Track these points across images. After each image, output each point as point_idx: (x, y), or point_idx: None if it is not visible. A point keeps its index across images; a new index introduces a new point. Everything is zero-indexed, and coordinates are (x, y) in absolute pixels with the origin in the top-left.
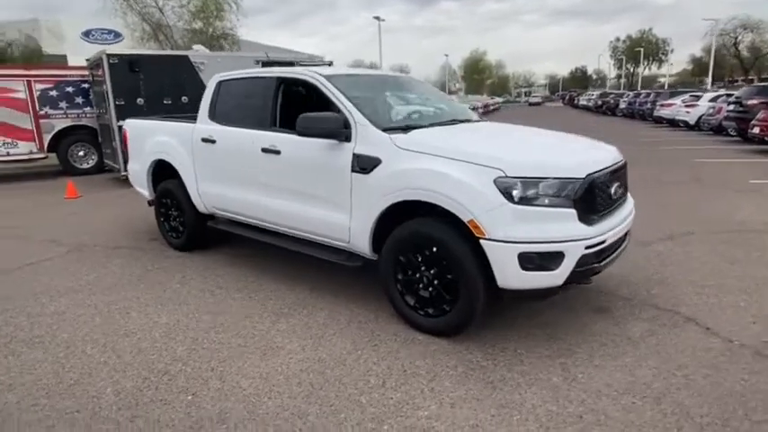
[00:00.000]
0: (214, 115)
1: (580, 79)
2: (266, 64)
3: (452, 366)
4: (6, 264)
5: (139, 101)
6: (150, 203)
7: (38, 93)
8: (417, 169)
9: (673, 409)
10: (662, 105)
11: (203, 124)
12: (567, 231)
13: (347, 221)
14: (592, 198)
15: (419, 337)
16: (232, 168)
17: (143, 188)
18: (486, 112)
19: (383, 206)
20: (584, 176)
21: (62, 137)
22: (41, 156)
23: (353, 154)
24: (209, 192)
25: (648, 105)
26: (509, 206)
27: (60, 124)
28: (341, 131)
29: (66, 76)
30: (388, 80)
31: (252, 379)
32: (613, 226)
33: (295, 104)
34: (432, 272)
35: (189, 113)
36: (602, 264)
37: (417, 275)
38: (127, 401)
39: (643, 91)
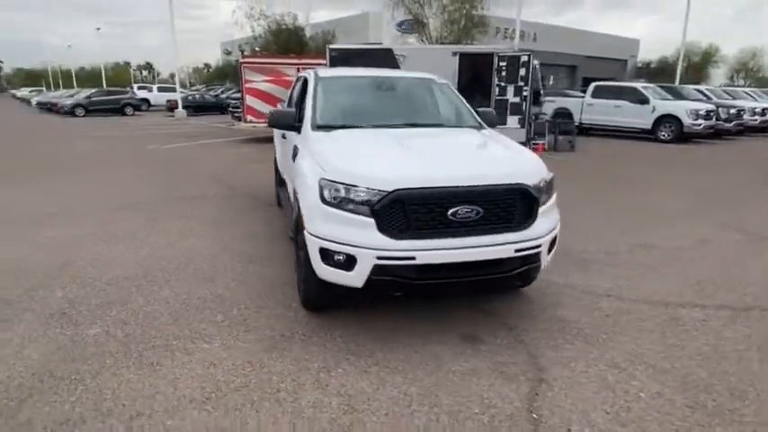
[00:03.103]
0: (291, 104)
1: None
2: (464, 55)
3: (279, 330)
4: (182, 193)
5: None
6: None
7: None
8: (299, 163)
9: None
10: None
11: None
12: (360, 238)
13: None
14: (400, 212)
15: (296, 304)
16: (283, 147)
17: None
18: None
19: (292, 189)
20: (390, 190)
21: None
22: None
23: (294, 145)
24: (279, 161)
25: None
26: (320, 205)
27: None
28: (294, 125)
29: (323, 64)
30: (386, 82)
31: (171, 292)
32: (441, 247)
33: None
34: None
35: None
36: (423, 281)
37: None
38: (111, 281)
39: None
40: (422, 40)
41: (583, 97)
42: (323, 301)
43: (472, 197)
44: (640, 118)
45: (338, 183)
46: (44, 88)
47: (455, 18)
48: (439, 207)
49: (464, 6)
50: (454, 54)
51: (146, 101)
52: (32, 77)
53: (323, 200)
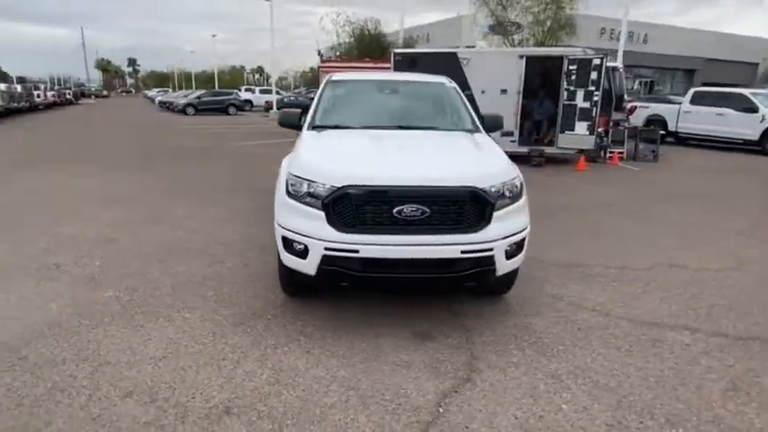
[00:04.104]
0: None
1: None
2: (531, 58)
3: (253, 310)
4: (238, 185)
5: None
6: None
7: None
8: (284, 160)
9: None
10: None
11: None
12: (311, 229)
13: None
14: (348, 207)
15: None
16: None
17: None
18: None
19: None
20: (339, 186)
21: None
22: None
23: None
24: None
25: None
26: (285, 198)
27: None
28: (298, 124)
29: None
30: (392, 86)
31: (184, 268)
32: (384, 243)
33: None
34: None
35: None
36: (367, 274)
37: None
38: (141, 255)
39: None
40: (504, 44)
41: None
42: (292, 286)
43: (418, 197)
44: (746, 128)
45: (302, 178)
46: (169, 89)
47: (541, 20)
48: (384, 204)
49: (550, 8)
50: (521, 57)
51: (249, 102)
52: (161, 79)
53: (288, 193)
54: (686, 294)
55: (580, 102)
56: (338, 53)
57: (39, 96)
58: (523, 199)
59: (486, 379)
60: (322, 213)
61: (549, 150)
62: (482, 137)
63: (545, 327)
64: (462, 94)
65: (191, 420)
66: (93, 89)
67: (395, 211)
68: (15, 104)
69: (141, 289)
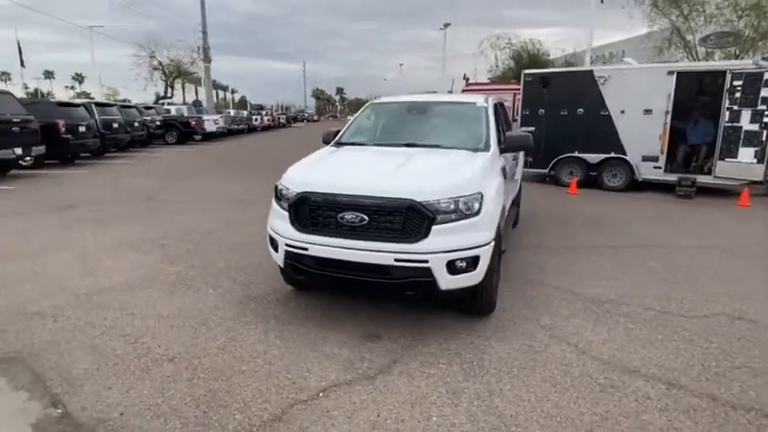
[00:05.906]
0: None
1: None
2: (683, 74)
3: (261, 294)
4: None
5: (540, 111)
6: None
7: (518, 102)
8: None
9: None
10: None
11: None
12: (279, 227)
13: None
14: (302, 210)
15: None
16: None
17: None
18: None
19: None
20: (298, 192)
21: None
22: None
23: None
24: None
25: None
26: (273, 203)
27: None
28: (329, 141)
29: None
30: (419, 107)
31: (238, 256)
32: (331, 244)
33: None
34: None
35: (579, 125)
36: (319, 271)
37: None
38: (224, 245)
39: None
40: (687, 57)
41: None
42: (285, 277)
43: (356, 205)
44: None
45: (283, 185)
46: None
47: (739, 29)
48: (331, 210)
49: (747, 14)
50: (670, 73)
51: None
52: (360, 105)
53: (275, 197)
54: (715, 350)
55: (746, 124)
56: (491, 76)
57: (256, 120)
58: (481, 216)
59: (387, 381)
60: (286, 214)
61: (703, 180)
62: (481, 155)
63: (498, 351)
64: (491, 116)
65: (144, 360)
66: (306, 114)
67: (339, 216)
68: (236, 126)
69: (198, 267)
